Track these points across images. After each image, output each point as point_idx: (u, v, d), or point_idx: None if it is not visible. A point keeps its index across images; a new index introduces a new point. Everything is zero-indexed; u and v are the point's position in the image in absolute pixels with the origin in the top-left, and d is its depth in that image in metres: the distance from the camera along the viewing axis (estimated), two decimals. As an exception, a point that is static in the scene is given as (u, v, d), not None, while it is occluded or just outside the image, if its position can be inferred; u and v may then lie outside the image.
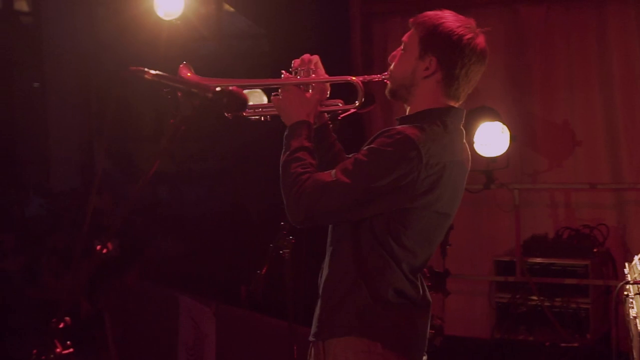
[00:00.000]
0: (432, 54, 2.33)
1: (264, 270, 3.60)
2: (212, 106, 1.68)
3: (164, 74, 1.72)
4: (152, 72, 1.70)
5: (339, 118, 2.73)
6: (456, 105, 2.41)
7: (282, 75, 2.52)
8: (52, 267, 7.35)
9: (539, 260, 5.42)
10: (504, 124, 5.35)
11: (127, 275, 7.20)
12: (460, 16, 2.37)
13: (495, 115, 5.40)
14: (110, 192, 7.33)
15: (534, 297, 5.34)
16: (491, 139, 5.35)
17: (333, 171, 2.27)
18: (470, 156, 2.48)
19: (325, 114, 2.62)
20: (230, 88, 1.69)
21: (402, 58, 2.41)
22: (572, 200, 5.78)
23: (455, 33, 2.31)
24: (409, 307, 2.34)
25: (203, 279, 6.80)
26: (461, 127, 2.42)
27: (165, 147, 1.67)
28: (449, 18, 2.35)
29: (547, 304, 5.31)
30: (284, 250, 3.33)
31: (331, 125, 2.73)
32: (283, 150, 2.37)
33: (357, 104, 2.50)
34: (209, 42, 6.87)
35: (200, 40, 6.62)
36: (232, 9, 6.88)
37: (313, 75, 2.51)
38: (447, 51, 2.32)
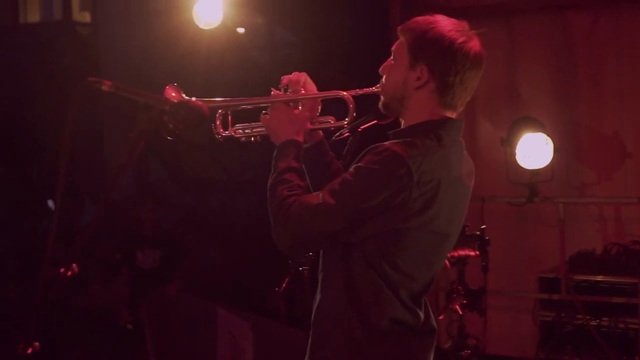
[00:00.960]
0: (423, 62, 2.19)
1: (282, 288, 3.51)
2: (171, 119, 1.58)
3: (122, 85, 1.64)
4: (109, 83, 1.62)
5: (359, 130, 2.61)
6: (453, 115, 2.26)
7: (272, 93, 2.42)
8: (99, 276, 7.38)
9: (585, 277, 5.21)
10: (547, 135, 5.18)
11: (167, 286, 7.19)
12: (453, 19, 2.22)
13: (539, 126, 5.24)
14: (153, 201, 7.31)
15: (580, 316, 5.12)
16: (534, 150, 5.19)
17: (320, 193, 2.14)
18: (473, 170, 2.32)
19: (320, 131, 2.50)
20: (190, 100, 1.60)
21: (392, 69, 2.28)
22: (621, 214, 5.54)
23: (446, 38, 2.16)
24: (407, 337, 2.18)
25: (245, 290, 6.75)
26: (460, 140, 2.27)
27: (125, 163, 1.57)
28: (439, 22, 2.20)
29: (593, 323, 5.09)
30: (304, 268, 3.24)
31: (351, 138, 2.62)
32: (271, 171, 2.26)
33: (347, 121, 2.37)
34: (249, 52, 6.83)
35: (240, 49, 6.58)
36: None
37: (302, 91, 2.39)
38: (438, 58, 2.16)
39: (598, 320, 5.10)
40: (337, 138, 2.66)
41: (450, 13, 2.26)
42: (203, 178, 9.78)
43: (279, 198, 2.17)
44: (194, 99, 2.20)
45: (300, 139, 2.32)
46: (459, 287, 4.40)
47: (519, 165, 5.21)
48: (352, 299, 2.16)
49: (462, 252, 4.41)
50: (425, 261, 2.21)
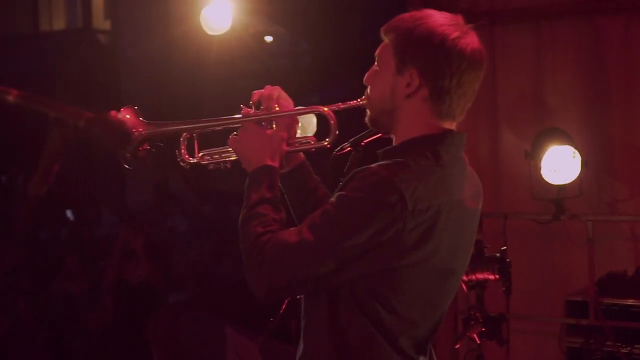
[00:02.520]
0: (412, 65, 1.88)
1: (277, 318, 3.25)
2: (86, 137, 1.31)
3: (30, 95, 1.36)
4: (15, 93, 1.35)
5: (362, 144, 2.32)
6: (453, 125, 1.94)
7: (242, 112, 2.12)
8: (111, 291, 7.19)
9: (615, 301, 4.88)
10: (575, 147, 4.87)
11: (175, 301, 6.97)
12: (445, 13, 1.91)
13: (566, 138, 4.93)
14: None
15: (610, 343, 4.79)
16: (561, 164, 4.88)
17: (299, 227, 1.83)
18: (480, 190, 2.01)
19: (302, 153, 2.20)
20: (110, 116, 1.35)
21: (377, 77, 1.97)
22: (655, 233, 5.20)
23: (437, 34, 1.85)
24: None
25: (255, 308, 6.50)
26: (462, 156, 1.96)
27: (36, 188, 1.29)
28: (428, 17, 1.89)
29: (624, 350, 4.76)
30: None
31: (353, 153, 2.32)
32: (243, 204, 1.96)
33: (328, 140, 2.07)
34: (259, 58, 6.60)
35: (249, 56, 6.35)
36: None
37: (276, 108, 2.09)
38: (429, 59, 1.87)
39: (629, 348, 4.77)
40: (338, 153, 2.36)
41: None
42: (223, 190, 9.57)
43: (251, 237, 1.86)
44: (149, 122, 2.00)
45: (275, 163, 2.02)
46: (477, 313, 4.06)
47: (544, 180, 4.89)
48: (339, 349, 1.85)
49: (480, 276, 4.07)
50: (428, 303, 1.89)
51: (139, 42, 11.33)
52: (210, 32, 5.47)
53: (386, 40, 1.95)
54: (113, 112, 1.97)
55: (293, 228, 1.86)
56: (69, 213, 11.50)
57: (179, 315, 6.30)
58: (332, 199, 1.85)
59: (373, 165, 1.86)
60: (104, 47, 13.60)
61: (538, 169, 4.95)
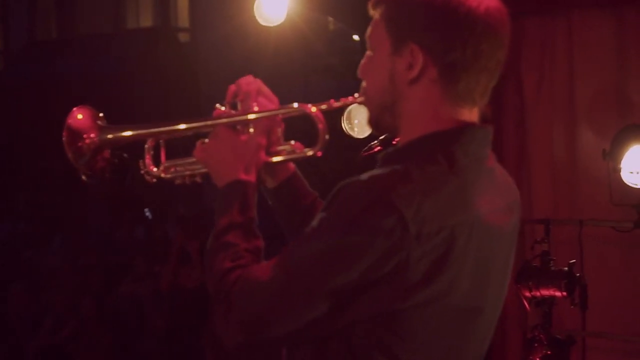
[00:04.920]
0: (411, 39, 1.49)
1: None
2: None
3: None
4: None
5: (394, 143, 1.98)
6: (472, 114, 1.52)
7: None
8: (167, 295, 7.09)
9: None
10: (660, 147, 4.37)
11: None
12: None
13: (649, 137, 4.44)
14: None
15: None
16: (644, 165, 4.39)
17: (274, 261, 1.47)
18: (517, 198, 1.59)
19: (291, 163, 1.81)
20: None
21: (371, 65, 1.57)
22: None
23: None
24: None
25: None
26: (487, 154, 1.53)
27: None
28: None
29: None
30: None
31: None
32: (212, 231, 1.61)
33: (317, 148, 1.69)
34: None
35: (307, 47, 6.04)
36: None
37: (255, 108, 1.72)
38: (432, 27, 1.47)
39: None
40: (366, 154, 2.04)
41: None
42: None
43: (217, 274, 1.51)
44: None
45: (251, 177, 1.65)
46: (541, 335, 3.61)
47: (625, 183, 4.42)
48: None
49: (545, 292, 3.64)
50: (447, 352, 1.47)
51: (219, 42, 11.23)
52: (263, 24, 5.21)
53: (376, 15, 1.56)
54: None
55: (266, 263, 1.50)
56: (147, 212, 11.44)
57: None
58: (313, 223, 1.47)
59: (363, 175, 1.46)
60: (183, 45, 13.59)
61: (618, 171, 4.46)
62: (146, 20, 15.10)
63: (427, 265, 1.40)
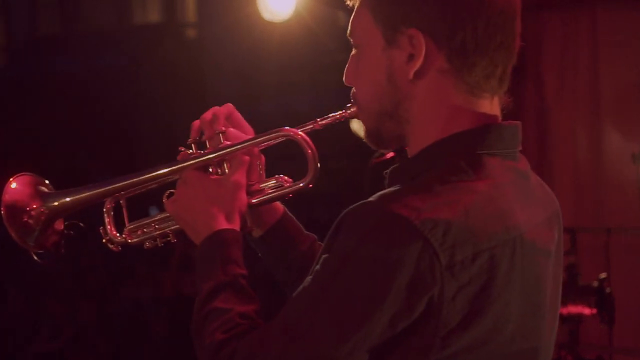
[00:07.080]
0: (408, 23, 1.21)
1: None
2: None
3: None
4: None
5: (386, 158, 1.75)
6: (494, 106, 1.25)
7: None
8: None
9: None
10: None
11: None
12: None
13: (683, 139, 4.25)
14: None
15: None
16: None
17: (277, 322, 1.20)
18: (558, 209, 1.32)
19: (279, 202, 1.53)
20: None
21: (359, 66, 1.30)
22: None
23: None
24: None
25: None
26: (518, 156, 1.27)
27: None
28: None
29: None
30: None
31: (397, 160, 1.69)
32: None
33: (309, 179, 1.40)
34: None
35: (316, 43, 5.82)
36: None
37: (226, 142, 1.43)
38: (431, 3, 1.19)
39: None
40: (377, 160, 1.88)
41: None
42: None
43: (210, 350, 1.24)
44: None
45: (234, 225, 1.38)
46: (568, 355, 3.37)
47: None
48: None
49: (572, 309, 3.40)
50: None
51: (225, 37, 11.12)
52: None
53: (357, 5, 1.29)
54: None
55: (267, 327, 1.22)
56: (153, 211, 11.30)
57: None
58: (317, 267, 1.19)
59: (372, 198, 1.18)
60: (189, 41, 13.49)
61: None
62: (153, 15, 14.98)
63: (464, 302, 1.13)
